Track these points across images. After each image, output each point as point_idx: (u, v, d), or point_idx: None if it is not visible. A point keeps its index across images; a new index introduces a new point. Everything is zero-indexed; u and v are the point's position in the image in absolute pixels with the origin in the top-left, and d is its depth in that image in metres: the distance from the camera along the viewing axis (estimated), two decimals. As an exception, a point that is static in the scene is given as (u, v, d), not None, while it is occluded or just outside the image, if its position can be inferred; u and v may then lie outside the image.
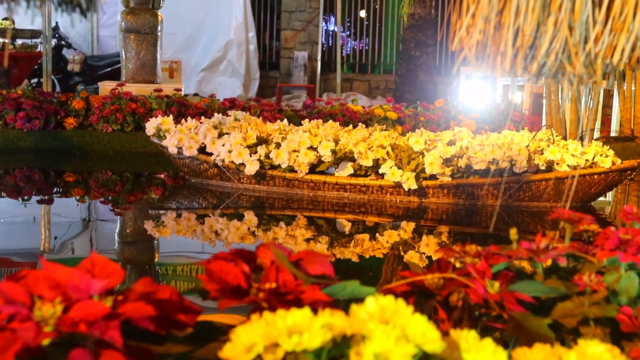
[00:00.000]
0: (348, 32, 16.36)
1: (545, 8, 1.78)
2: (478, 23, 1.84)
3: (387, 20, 15.87)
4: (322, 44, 15.23)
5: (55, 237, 5.27)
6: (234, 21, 14.19)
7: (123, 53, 9.35)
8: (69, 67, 12.79)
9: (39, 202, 6.35)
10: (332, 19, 16.06)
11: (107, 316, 1.24)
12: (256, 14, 15.24)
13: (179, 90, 9.06)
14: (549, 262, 1.77)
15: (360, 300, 1.22)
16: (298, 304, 1.40)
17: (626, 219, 1.86)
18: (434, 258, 4.53)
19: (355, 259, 4.52)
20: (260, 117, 7.81)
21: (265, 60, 15.60)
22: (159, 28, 9.31)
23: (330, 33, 16.32)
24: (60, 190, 6.97)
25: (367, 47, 16.10)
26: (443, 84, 14.84)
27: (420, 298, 1.69)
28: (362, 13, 16.02)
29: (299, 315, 1.12)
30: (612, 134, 9.30)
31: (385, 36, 15.97)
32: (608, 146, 5.88)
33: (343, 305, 1.45)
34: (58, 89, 12.19)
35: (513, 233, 2.12)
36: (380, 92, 15.50)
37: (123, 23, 9.24)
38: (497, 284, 1.61)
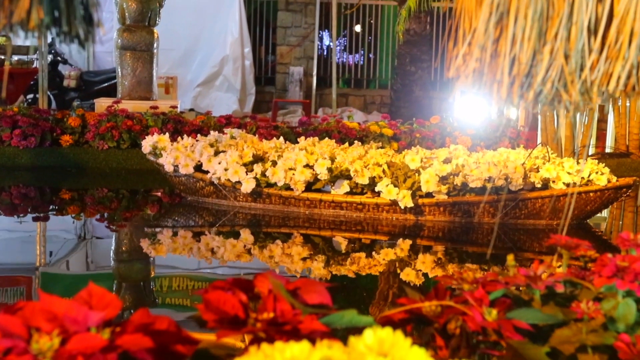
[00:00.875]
0: (343, 47, 16.41)
1: (541, 37, 1.79)
2: (474, 51, 1.85)
3: (382, 35, 15.92)
4: (318, 58, 15.26)
5: (51, 253, 5.27)
6: (229, 37, 14.22)
7: (119, 70, 9.35)
8: (65, 82, 12.79)
9: (35, 219, 6.34)
10: (328, 34, 16.12)
11: (105, 349, 1.24)
12: (252, 28, 15.27)
13: (174, 107, 9.07)
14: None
15: (358, 329, 1.22)
16: (296, 334, 1.40)
17: (623, 245, 1.86)
18: (431, 277, 4.53)
19: (351, 275, 4.52)
20: (256, 134, 7.82)
21: (261, 76, 15.63)
22: (155, 45, 9.32)
23: (326, 48, 16.38)
24: (56, 207, 6.96)
25: (362, 62, 16.14)
26: (438, 98, 14.87)
27: (418, 325, 1.69)
28: (357, 28, 16.06)
29: (297, 349, 1.12)
30: (607, 150, 9.32)
31: (380, 51, 16.01)
32: (603, 163, 5.89)
33: (341, 333, 1.45)
34: (54, 104, 12.18)
35: (510, 259, 2.12)
36: (375, 107, 15.53)
37: (119, 40, 9.26)
38: (494, 312, 1.61)
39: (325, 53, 16.19)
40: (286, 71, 15.28)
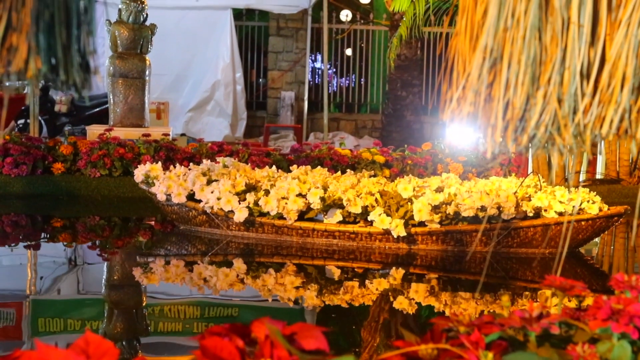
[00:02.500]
0: (334, 69, 16.48)
1: (535, 81, 1.81)
2: (468, 95, 1.87)
3: (373, 59, 16.00)
4: (309, 82, 15.30)
5: (41, 278, 5.28)
6: (221, 62, 14.27)
7: (111, 97, 9.37)
8: (57, 108, 12.79)
9: (26, 247, 6.34)
10: (319, 57, 16.17)
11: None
12: (243, 52, 15.32)
13: (167, 134, 9.08)
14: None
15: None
16: (293, 382, 1.41)
17: (617, 287, 1.87)
18: (424, 306, 4.54)
19: (344, 305, 4.52)
20: (249, 162, 7.84)
21: (253, 100, 15.67)
22: (147, 72, 9.35)
23: (317, 71, 16.42)
24: (48, 235, 6.96)
25: (353, 85, 16.20)
26: (430, 123, 14.93)
27: (415, 369, 1.70)
28: (349, 51, 16.14)
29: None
30: (598, 176, 9.36)
31: (371, 75, 16.08)
32: (595, 192, 5.91)
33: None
34: (45, 129, 12.17)
35: (505, 300, 2.13)
36: (367, 131, 15.58)
37: (111, 68, 9.28)
38: (490, 355, 1.62)
39: (317, 76, 16.24)
40: (278, 96, 15.32)
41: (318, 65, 16.70)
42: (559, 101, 1.81)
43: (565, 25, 1.79)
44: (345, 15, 15.37)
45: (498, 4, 1.82)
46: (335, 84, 16.49)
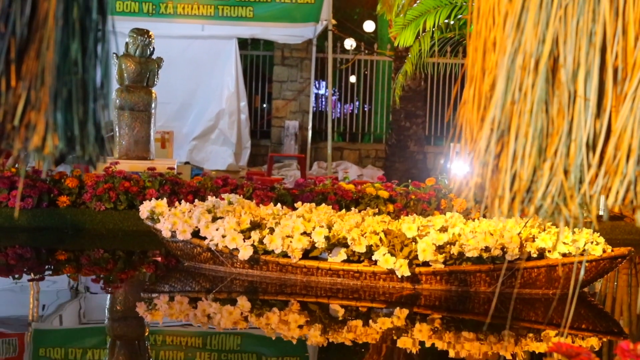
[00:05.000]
0: (338, 96, 16.53)
1: (542, 153, 1.83)
2: (476, 167, 1.89)
3: (377, 87, 16.05)
4: (313, 110, 15.32)
5: (43, 307, 5.31)
6: (225, 91, 14.33)
7: (117, 129, 9.42)
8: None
9: (30, 280, 6.37)
10: (323, 84, 16.21)
11: None
12: (247, 80, 15.39)
13: (172, 168, 9.11)
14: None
15: None
16: None
17: (623, 356, 1.89)
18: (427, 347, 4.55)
19: (348, 343, 4.55)
20: (253, 196, 7.87)
21: (257, 129, 15.72)
22: (153, 105, 9.41)
23: (321, 97, 16.44)
24: (52, 268, 6.99)
25: (357, 112, 16.25)
26: (433, 153, 14.97)
27: None
28: (353, 78, 16.21)
29: None
30: (602, 213, 9.35)
31: (375, 103, 16.12)
32: (598, 232, 5.93)
33: None
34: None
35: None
36: (370, 160, 15.61)
37: (117, 100, 9.34)
38: None
39: (322, 104, 16.25)
40: (282, 125, 15.37)
41: (322, 91, 16.73)
42: (566, 172, 1.83)
43: (572, 98, 1.82)
44: (350, 45, 15.44)
45: (506, 78, 1.85)
46: (339, 111, 16.52)
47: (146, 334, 4.85)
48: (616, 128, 1.80)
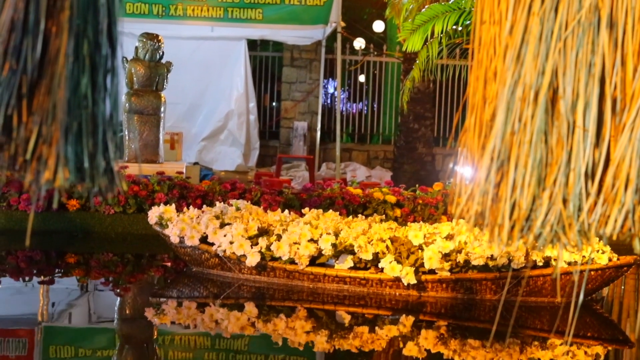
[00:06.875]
0: (347, 94, 16.55)
1: (541, 183, 1.86)
2: (476, 196, 1.93)
3: (386, 88, 16.05)
4: (322, 110, 15.32)
5: (53, 304, 5.34)
6: (235, 92, 14.35)
7: (126, 133, 9.48)
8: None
9: (40, 282, 6.44)
10: (332, 83, 16.20)
11: None
12: (257, 79, 15.42)
13: (180, 172, 9.16)
14: None
15: None
16: None
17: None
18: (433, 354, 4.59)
19: (354, 350, 4.59)
20: (261, 201, 7.92)
21: (266, 130, 15.76)
22: (162, 109, 9.46)
23: (329, 96, 16.43)
24: (61, 271, 7.05)
25: (365, 111, 16.26)
26: (441, 154, 14.99)
27: None
28: (362, 78, 16.23)
29: None
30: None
31: (384, 104, 16.13)
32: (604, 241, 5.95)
33: None
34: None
35: None
36: (379, 162, 15.62)
37: (127, 104, 9.40)
38: None
39: (329, 102, 16.24)
40: (290, 126, 15.40)
41: (330, 90, 16.72)
42: (564, 201, 1.86)
43: (571, 128, 1.85)
44: (359, 46, 15.46)
45: (506, 109, 1.89)
46: (348, 107, 16.54)
47: (154, 337, 4.91)
48: (615, 157, 1.83)
